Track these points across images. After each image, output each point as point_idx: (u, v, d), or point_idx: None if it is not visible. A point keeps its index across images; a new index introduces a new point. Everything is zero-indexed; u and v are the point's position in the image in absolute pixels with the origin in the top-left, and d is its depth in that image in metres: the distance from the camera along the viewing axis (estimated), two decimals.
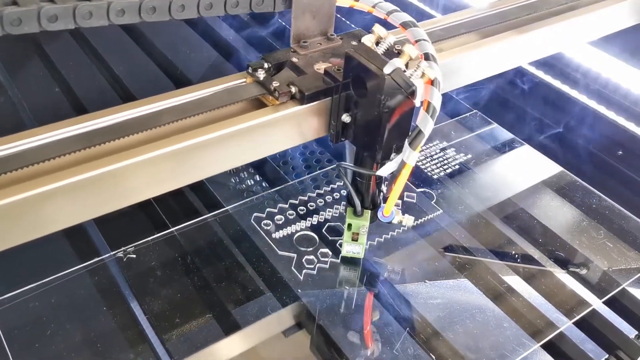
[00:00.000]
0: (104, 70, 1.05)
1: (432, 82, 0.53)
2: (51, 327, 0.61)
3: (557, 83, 1.01)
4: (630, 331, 0.65)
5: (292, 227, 0.73)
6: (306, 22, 0.62)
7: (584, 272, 0.71)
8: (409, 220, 0.65)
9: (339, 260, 0.70)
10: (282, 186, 0.79)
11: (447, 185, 0.82)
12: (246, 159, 0.57)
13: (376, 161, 0.58)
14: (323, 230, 0.73)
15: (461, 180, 0.83)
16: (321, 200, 0.77)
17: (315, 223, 0.74)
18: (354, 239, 0.67)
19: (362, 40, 0.57)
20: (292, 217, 0.75)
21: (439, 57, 0.56)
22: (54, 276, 0.65)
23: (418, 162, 0.84)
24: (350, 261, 0.69)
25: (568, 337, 0.64)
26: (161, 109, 0.54)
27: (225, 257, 0.70)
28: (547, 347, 0.63)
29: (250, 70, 0.59)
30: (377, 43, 0.57)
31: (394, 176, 0.58)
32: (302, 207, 0.76)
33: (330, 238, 0.72)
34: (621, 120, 0.94)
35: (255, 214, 0.74)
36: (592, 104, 0.97)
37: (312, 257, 0.70)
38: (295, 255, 0.70)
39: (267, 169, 0.84)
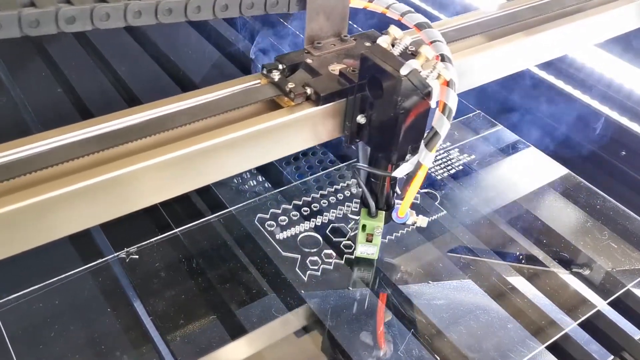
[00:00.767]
0: (106, 70, 1.05)
1: (447, 83, 0.53)
2: (55, 328, 0.61)
3: (560, 83, 1.01)
4: (635, 332, 0.65)
5: (295, 228, 0.73)
6: (320, 23, 0.62)
7: (588, 273, 0.71)
8: (423, 221, 0.66)
9: (342, 262, 0.70)
10: (286, 187, 0.79)
11: (451, 186, 0.81)
12: (261, 160, 0.57)
13: (391, 162, 0.58)
14: (327, 232, 0.73)
15: (465, 182, 0.83)
16: (325, 201, 0.77)
17: (319, 224, 0.74)
18: (369, 240, 0.67)
19: (377, 42, 0.57)
20: (295, 218, 0.74)
21: None
22: (57, 277, 0.65)
23: None
24: (355, 262, 0.69)
25: (573, 338, 0.64)
26: (176, 111, 0.54)
27: (229, 258, 0.70)
28: (551, 348, 0.63)
29: (264, 71, 0.59)
30: (393, 44, 0.57)
31: (408, 177, 0.58)
32: (305, 208, 0.76)
33: (334, 239, 0.72)
34: (624, 121, 0.94)
35: (259, 215, 0.74)
36: (595, 104, 0.97)
37: (316, 258, 0.70)
38: (299, 256, 0.70)
39: (270, 170, 0.84)
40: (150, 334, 0.62)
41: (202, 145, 0.52)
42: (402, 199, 0.60)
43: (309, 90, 0.57)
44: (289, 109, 0.57)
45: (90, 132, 0.51)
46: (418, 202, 0.78)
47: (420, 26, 0.58)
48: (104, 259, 0.67)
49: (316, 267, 0.69)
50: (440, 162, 0.86)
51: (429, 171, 0.83)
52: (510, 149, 0.89)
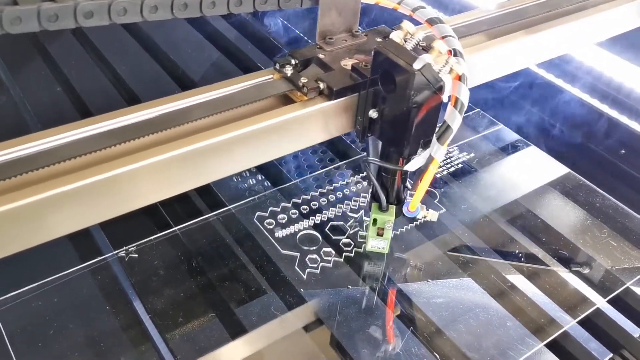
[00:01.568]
0: (106, 69, 1.05)
1: (459, 78, 0.54)
2: (54, 327, 0.61)
3: (559, 82, 1.01)
4: (634, 330, 0.65)
5: (295, 226, 0.73)
6: (332, 18, 0.62)
7: (587, 271, 0.71)
8: (433, 216, 0.66)
9: (342, 259, 0.70)
10: (285, 185, 0.79)
11: (450, 184, 0.81)
12: (274, 155, 0.58)
13: (403, 156, 0.59)
14: (326, 229, 0.73)
15: (465, 180, 0.83)
16: (324, 199, 0.77)
17: (318, 222, 0.74)
18: (379, 234, 0.67)
19: (390, 36, 0.57)
20: (294, 216, 0.74)
21: None
22: (56, 276, 0.65)
23: None
24: (353, 260, 0.69)
25: (572, 336, 0.64)
26: (189, 106, 0.55)
27: (228, 257, 0.70)
28: (551, 346, 0.63)
29: (277, 66, 0.59)
30: (405, 39, 0.57)
31: (419, 172, 0.59)
32: (304, 206, 0.76)
33: (333, 237, 0.72)
34: (624, 119, 0.94)
35: (258, 213, 0.74)
36: (595, 102, 0.97)
37: (315, 256, 0.70)
38: (298, 254, 0.70)
39: (269, 169, 0.84)
40: (149, 332, 0.62)
41: (216, 140, 0.52)
42: (413, 193, 0.61)
43: (321, 85, 0.57)
44: (302, 103, 0.57)
45: (97, 129, 0.51)
46: None
47: (431, 21, 0.58)
48: (103, 257, 0.67)
49: (315, 265, 0.68)
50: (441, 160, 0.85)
51: None
52: (510, 148, 0.89)
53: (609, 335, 0.65)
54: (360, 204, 0.76)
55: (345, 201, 0.77)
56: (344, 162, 0.84)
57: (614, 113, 0.95)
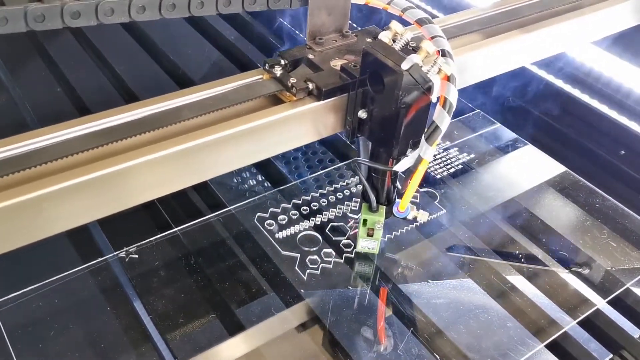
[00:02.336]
0: (105, 69, 1.05)
1: (448, 78, 0.54)
2: (54, 328, 0.61)
3: (559, 82, 1.01)
4: (634, 331, 0.65)
5: (295, 227, 0.73)
6: (322, 18, 0.62)
7: (587, 272, 0.71)
8: (423, 216, 0.66)
9: (342, 260, 0.70)
10: (285, 186, 0.79)
11: (450, 185, 0.81)
12: (263, 155, 0.58)
13: (392, 157, 0.59)
14: (326, 230, 0.73)
15: (464, 180, 0.83)
16: (324, 200, 0.77)
17: (318, 223, 0.74)
18: (369, 235, 0.67)
19: (379, 37, 0.57)
20: (295, 217, 0.74)
21: None
22: (57, 277, 0.65)
23: None
24: (353, 261, 0.69)
25: (572, 336, 0.64)
26: (179, 106, 0.55)
27: (228, 257, 0.70)
28: (551, 347, 0.63)
29: (267, 66, 0.60)
30: (394, 39, 0.57)
31: (409, 172, 0.59)
32: (305, 207, 0.76)
33: (333, 238, 0.72)
34: (624, 120, 0.94)
35: (258, 214, 0.74)
36: (595, 103, 0.97)
37: (315, 257, 0.70)
38: (298, 255, 0.70)
39: (269, 169, 0.84)
40: (149, 332, 0.62)
41: (205, 139, 0.52)
42: (402, 193, 0.61)
43: (310, 85, 0.57)
44: (291, 103, 0.57)
45: (92, 127, 0.51)
46: (417, 200, 0.78)
47: (421, 22, 0.58)
48: (104, 258, 0.67)
49: (315, 266, 0.69)
50: (439, 161, 0.86)
51: (428, 170, 0.83)
52: (508, 147, 0.89)
53: (608, 336, 0.65)
54: None
55: (346, 202, 0.77)
56: (344, 162, 0.85)
57: (613, 113, 0.95)
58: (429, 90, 0.53)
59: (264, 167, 0.84)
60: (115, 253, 0.68)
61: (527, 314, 0.65)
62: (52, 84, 1.02)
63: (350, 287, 0.67)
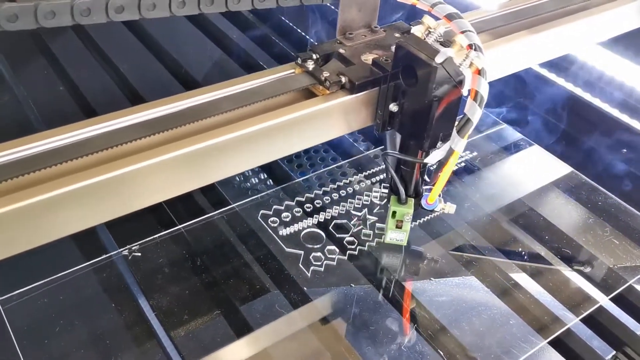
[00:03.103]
0: (108, 68, 1.05)
1: (479, 72, 0.54)
2: (59, 324, 0.61)
3: (560, 81, 1.01)
4: (637, 328, 0.66)
5: (298, 225, 0.73)
6: (352, 14, 0.64)
7: (590, 269, 0.71)
8: (451, 208, 0.67)
9: (345, 258, 0.70)
10: (289, 183, 0.79)
11: (454, 184, 0.82)
12: (296, 148, 0.59)
13: (423, 149, 0.59)
14: (330, 228, 0.73)
15: (469, 179, 0.83)
16: (327, 197, 0.77)
17: (322, 220, 0.74)
18: (398, 227, 0.68)
19: (412, 31, 0.58)
20: (298, 214, 0.75)
21: None
22: (62, 274, 0.65)
23: None
24: (357, 258, 0.70)
25: (575, 334, 0.64)
26: (215, 99, 0.56)
27: (232, 255, 0.70)
28: (554, 344, 0.63)
29: (299, 61, 0.61)
30: (425, 34, 0.58)
31: (438, 165, 0.60)
32: (308, 205, 0.76)
33: (337, 235, 0.72)
34: (625, 118, 0.94)
35: (262, 212, 0.74)
36: (597, 101, 0.97)
37: (319, 254, 0.70)
38: (302, 252, 0.70)
39: (273, 167, 0.84)
40: (154, 329, 0.62)
41: (240, 133, 0.53)
42: (432, 185, 0.62)
43: (343, 79, 0.58)
44: (324, 97, 0.58)
45: (140, 118, 0.53)
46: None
47: (450, 17, 0.58)
48: (108, 255, 0.68)
49: (319, 263, 0.69)
50: None
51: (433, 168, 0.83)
52: (513, 147, 0.89)
53: (611, 333, 0.65)
54: (364, 202, 0.77)
55: (349, 199, 0.77)
56: (347, 160, 0.85)
57: (615, 112, 0.95)
58: (461, 83, 0.54)
59: (267, 165, 0.84)
60: (119, 250, 0.68)
61: (531, 311, 0.65)
62: (56, 83, 1.02)
63: (353, 285, 0.67)
